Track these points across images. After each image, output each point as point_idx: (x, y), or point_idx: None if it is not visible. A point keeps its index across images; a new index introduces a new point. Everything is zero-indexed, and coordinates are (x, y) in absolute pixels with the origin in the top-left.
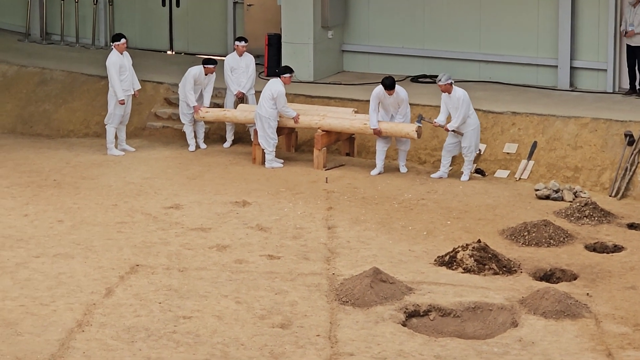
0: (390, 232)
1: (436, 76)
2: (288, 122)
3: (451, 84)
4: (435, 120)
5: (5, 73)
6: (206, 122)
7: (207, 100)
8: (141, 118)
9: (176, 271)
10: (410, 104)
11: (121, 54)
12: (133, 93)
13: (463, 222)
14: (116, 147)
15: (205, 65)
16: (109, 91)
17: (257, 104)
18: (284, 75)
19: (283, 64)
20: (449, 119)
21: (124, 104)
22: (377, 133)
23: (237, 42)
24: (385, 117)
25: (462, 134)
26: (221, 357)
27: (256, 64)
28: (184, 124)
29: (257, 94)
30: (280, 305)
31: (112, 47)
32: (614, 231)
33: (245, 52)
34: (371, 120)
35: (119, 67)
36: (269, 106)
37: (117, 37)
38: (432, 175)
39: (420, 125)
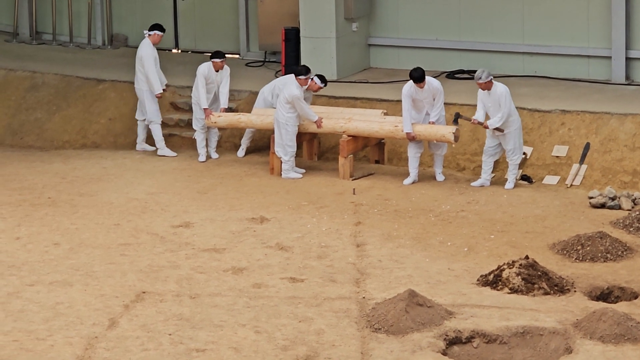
0: (427, 248)
1: (474, 71)
2: (309, 127)
3: (491, 80)
4: (473, 117)
5: None
6: (219, 129)
7: (223, 100)
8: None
9: (187, 298)
10: (445, 103)
11: (154, 45)
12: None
13: (508, 236)
14: (136, 146)
15: (213, 60)
16: (137, 88)
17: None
18: (300, 77)
19: (302, 61)
20: (486, 117)
21: (161, 97)
22: (411, 138)
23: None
24: (418, 117)
25: (502, 131)
26: None
27: (273, 61)
28: (195, 130)
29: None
30: (304, 334)
31: (146, 36)
32: None
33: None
34: (405, 124)
35: (154, 59)
36: (285, 110)
37: (154, 27)
38: (472, 184)
39: (458, 126)
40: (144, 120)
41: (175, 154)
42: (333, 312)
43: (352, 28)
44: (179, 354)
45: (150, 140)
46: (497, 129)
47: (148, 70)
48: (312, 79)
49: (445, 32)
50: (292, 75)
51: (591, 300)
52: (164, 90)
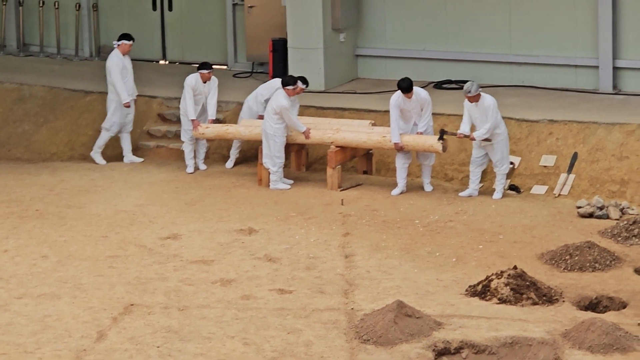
0: (415, 259)
1: (462, 81)
2: (297, 138)
3: (479, 92)
4: (458, 131)
5: None
6: (207, 140)
7: (211, 111)
8: (132, 137)
9: (175, 310)
10: (433, 114)
11: (123, 55)
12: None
13: (497, 246)
14: (124, 159)
15: (200, 71)
16: (108, 95)
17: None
18: (287, 87)
19: (290, 72)
20: (472, 128)
21: (129, 106)
22: (399, 148)
23: (202, 70)
24: (406, 128)
25: (490, 141)
26: None
27: (260, 72)
28: (183, 141)
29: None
30: (293, 345)
31: (115, 46)
32: None
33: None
34: (393, 134)
35: (121, 68)
36: (273, 122)
37: (122, 37)
38: (460, 194)
39: (444, 139)
40: (120, 132)
41: (105, 163)
42: (322, 323)
43: (340, 39)
44: None
45: (136, 152)
46: (485, 139)
47: (114, 80)
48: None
49: (432, 42)
50: (275, 80)
51: (580, 310)
52: (134, 100)
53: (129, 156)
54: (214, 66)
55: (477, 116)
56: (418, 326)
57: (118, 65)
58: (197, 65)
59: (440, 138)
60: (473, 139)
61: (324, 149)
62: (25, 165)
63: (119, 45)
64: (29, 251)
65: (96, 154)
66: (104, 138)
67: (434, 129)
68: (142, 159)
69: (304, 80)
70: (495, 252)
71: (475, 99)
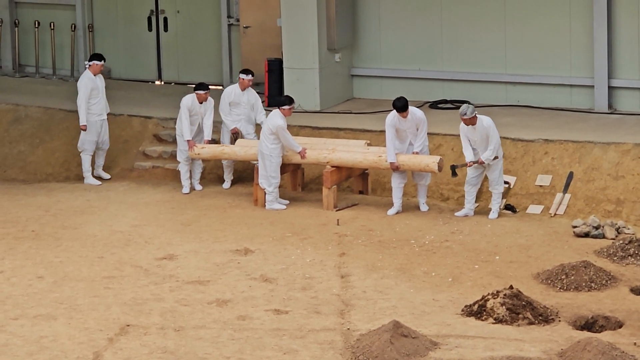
0: (411, 279)
1: (457, 101)
2: (293, 158)
3: (475, 115)
4: (467, 161)
5: None
6: (202, 160)
7: (207, 132)
8: (128, 158)
9: (171, 331)
10: (429, 133)
11: (94, 75)
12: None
13: (493, 266)
14: (92, 174)
15: (196, 92)
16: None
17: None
18: (283, 107)
19: (285, 92)
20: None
21: (85, 129)
22: (395, 168)
23: (242, 75)
24: (402, 148)
25: (497, 158)
26: None
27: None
28: (179, 162)
29: (258, 126)
30: None
31: (86, 67)
32: None
33: (250, 87)
34: (389, 153)
35: (91, 90)
36: (269, 142)
37: (93, 57)
38: (456, 214)
39: (456, 174)
40: (97, 149)
41: (99, 183)
42: (318, 343)
43: (335, 59)
44: None
45: (132, 172)
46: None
47: (78, 102)
48: (241, 79)
49: (427, 62)
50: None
51: (576, 329)
52: (105, 120)
53: (98, 170)
54: (209, 86)
55: (477, 139)
56: (414, 346)
57: (88, 86)
58: (194, 86)
59: (454, 174)
60: (482, 163)
61: (319, 169)
62: (21, 186)
63: (89, 65)
64: (25, 272)
65: (88, 178)
66: (85, 161)
67: (429, 149)
68: (109, 177)
69: (248, 71)
70: (491, 272)
71: (471, 121)
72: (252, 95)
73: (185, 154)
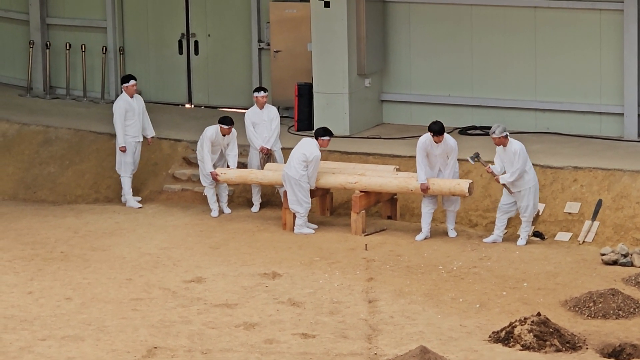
0: (439, 305)
1: (487, 127)
2: (323, 182)
3: (506, 136)
4: (490, 165)
5: (6, 132)
6: (230, 185)
7: (232, 162)
8: (157, 180)
9: (199, 354)
10: (458, 159)
11: (131, 97)
12: (144, 139)
13: (520, 293)
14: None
15: (220, 125)
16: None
17: (284, 162)
18: (323, 138)
19: (315, 116)
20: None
21: (124, 151)
22: (425, 189)
23: (255, 94)
24: (431, 174)
25: (511, 193)
26: None
27: (285, 117)
28: (204, 186)
29: (285, 150)
30: None
31: (122, 89)
32: None
33: (267, 104)
34: (419, 175)
35: (125, 111)
36: (300, 168)
37: (125, 79)
38: (484, 240)
39: (474, 161)
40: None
41: (140, 206)
42: None
43: (365, 84)
44: None
45: (160, 194)
46: (506, 186)
47: (115, 123)
48: (256, 97)
49: (457, 88)
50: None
51: (603, 357)
52: (148, 142)
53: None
54: (238, 110)
55: (506, 161)
56: None
57: (122, 107)
58: (219, 118)
59: (474, 158)
60: (497, 181)
61: (348, 193)
62: (50, 207)
63: (126, 87)
64: (53, 293)
65: (130, 201)
66: (125, 183)
67: (459, 176)
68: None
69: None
70: (519, 299)
71: (500, 141)
72: (272, 111)
73: (209, 179)
